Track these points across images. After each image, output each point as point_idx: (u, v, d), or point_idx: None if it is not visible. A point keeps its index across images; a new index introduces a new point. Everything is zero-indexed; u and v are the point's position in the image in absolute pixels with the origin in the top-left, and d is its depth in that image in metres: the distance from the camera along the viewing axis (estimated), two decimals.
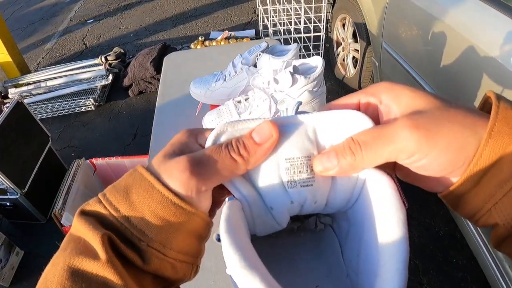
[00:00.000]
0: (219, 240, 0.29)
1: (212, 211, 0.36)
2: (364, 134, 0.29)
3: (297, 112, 0.42)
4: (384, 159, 0.29)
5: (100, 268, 0.27)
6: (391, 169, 0.33)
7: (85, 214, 0.30)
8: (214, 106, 1.16)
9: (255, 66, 1.11)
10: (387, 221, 0.29)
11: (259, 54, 1.07)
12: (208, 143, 0.32)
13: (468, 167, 0.27)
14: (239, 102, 1.06)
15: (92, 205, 0.30)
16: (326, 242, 0.39)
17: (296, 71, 0.93)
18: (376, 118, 0.31)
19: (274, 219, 0.33)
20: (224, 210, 0.31)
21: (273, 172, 0.32)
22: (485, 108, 0.30)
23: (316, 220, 0.40)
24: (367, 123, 0.30)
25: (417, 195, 2.10)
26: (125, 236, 0.29)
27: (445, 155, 0.27)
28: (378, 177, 0.31)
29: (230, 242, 0.28)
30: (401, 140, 0.27)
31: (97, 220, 0.29)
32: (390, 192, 0.30)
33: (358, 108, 0.33)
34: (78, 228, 0.29)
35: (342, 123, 0.31)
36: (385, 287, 0.26)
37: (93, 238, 0.28)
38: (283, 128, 0.32)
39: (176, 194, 0.30)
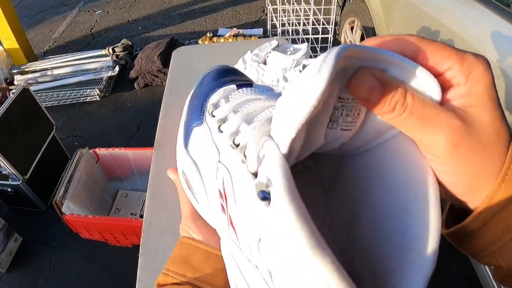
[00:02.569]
0: (264, 198, 0.22)
1: None
2: (422, 103, 0.24)
3: None
4: (416, 138, 0.26)
5: None
6: None
7: (161, 286, 0.39)
8: None
9: (265, 63, 1.11)
10: (416, 186, 0.25)
11: (270, 52, 1.08)
12: None
13: (479, 206, 0.25)
14: None
15: (163, 280, 0.39)
16: (307, 185, 0.33)
17: None
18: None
19: None
20: (274, 158, 0.22)
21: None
22: None
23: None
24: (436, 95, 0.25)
25: None
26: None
27: (465, 172, 0.25)
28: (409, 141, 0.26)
29: (297, 211, 0.20)
30: (445, 129, 0.24)
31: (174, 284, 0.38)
32: (421, 158, 0.26)
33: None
34: None
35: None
36: (420, 266, 0.22)
37: None
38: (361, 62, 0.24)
39: (206, 244, 0.39)
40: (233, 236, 0.30)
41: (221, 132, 0.33)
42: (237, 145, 0.29)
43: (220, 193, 0.31)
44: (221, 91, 0.36)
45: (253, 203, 0.24)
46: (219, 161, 0.31)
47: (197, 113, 0.38)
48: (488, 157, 0.24)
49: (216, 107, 0.35)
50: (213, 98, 0.36)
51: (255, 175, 0.25)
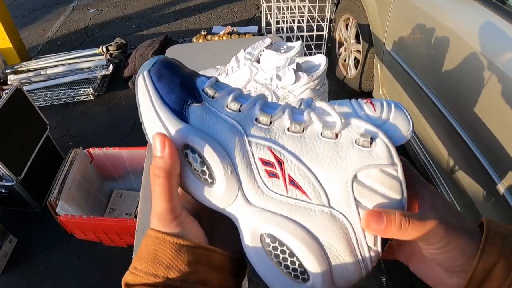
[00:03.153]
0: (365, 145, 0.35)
1: (229, 247, 0.39)
2: (413, 216, 0.34)
3: None
4: (419, 238, 0.34)
5: None
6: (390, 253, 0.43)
7: (130, 286, 0.34)
8: None
9: (258, 61, 1.11)
10: None
11: (263, 50, 1.07)
12: None
13: (467, 278, 0.33)
14: None
15: (132, 279, 0.35)
16: None
17: (299, 68, 0.93)
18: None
19: None
20: None
21: None
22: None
23: None
24: None
25: None
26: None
27: (455, 251, 0.34)
28: None
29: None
30: (435, 230, 0.34)
31: (144, 285, 0.34)
32: None
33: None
34: None
35: None
36: None
37: None
38: None
39: (178, 236, 0.35)
40: (295, 193, 0.35)
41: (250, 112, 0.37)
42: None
43: (265, 161, 0.36)
44: (210, 80, 0.40)
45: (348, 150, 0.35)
46: (248, 135, 0.36)
47: (185, 92, 0.38)
48: (465, 238, 0.34)
49: (218, 91, 0.38)
50: (205, 84, 0.39)
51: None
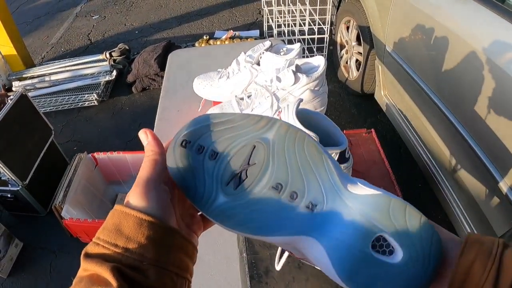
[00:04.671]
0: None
1: (192, 230, 0.44)
2: None
3: (298, 109, 0.46)
4: None
5: None
6: None
7: (89, 256, 0.36)
8: (216, 103, 1.17)
9: (258, 64, 1.12)
10: None
11: (263, 53, 1.09)
12: None
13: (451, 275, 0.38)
14: (242, 99, 1.07)
15: (92, 249, 0.36)
16: None
17: (298, 70, 0.95)
18: None
19: None
20: None
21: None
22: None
23: None
24: None
25: (416, 198, 2.11)
26: (128, 263, 0.35)
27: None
28: None
29: None
30: None
31: (101, 258, 0.35)
32: None
33: None
34: (87, 268, 0.35)
35: None
36: None
37: (103, 271, 0.34)
38: None
39: (144, 212, 0.36)
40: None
41: None
42: None
43: None
44: None
45: None
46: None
47: None
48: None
49: None
50: None
51: None
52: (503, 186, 1.33)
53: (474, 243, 0.39)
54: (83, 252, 0.36)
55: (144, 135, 0.42)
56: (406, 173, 2.25)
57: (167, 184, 0.41)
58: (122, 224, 0.36)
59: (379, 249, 0.36)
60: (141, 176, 0.39)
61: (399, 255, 0.36)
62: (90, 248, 0.36)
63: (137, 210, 0.36)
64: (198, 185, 0.40)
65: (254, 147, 0.39)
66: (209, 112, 1.13)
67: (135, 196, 0.38)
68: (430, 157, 1.87)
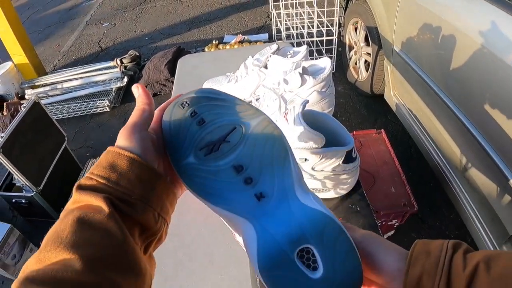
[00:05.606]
0: None
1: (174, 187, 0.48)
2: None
3: (304, 110, 0.50)
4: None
5: (104, 219, 0.37)
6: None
7: (82, 188, 0.39)
8: None
9: (266, 67, 1.13)
10: None
11: (270, 56, 1.10)
12: None
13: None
14: (250, 102, 1.08)
15: (85, 182, 0.40)
16: None
17: (305, 72, 0.95)
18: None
19: None
20: None
21: None
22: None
23: None
24: None
25: (428, 198, 2.10)
26: (118, 196, 0.39)
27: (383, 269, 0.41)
28: None
29: None
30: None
31: (93, 190, 0.39)
32: None
33: None
34: (79, 199, 0.39)
35: None
36: None
37: (96, 200, 0.37)
38: None
39: (135, 154, 0.41)
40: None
41: None
42: None
43: None
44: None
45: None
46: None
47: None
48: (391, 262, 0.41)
49: None
50: None
51: None
52: None
53: (419, 255, 0.39)
54: (76, 184, 0.39)
55: (136, 89, 0.48)
56: (417, 173, 2.24)
57: (157, 135, 0.47)
58: (116, 162, 0.40)
59: (305, 260, 0.38)
60: (129, 122, 0.44)
61: (319, 272, 0.37)
62: (84, 181, 0.40)
63: (129, 151, 0.41)
64: (179, 142, 0.45)
65: (235, 128, 0.45)
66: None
67: (121, 138, 0.42)
68: (441, 156, 1.86)
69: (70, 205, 0.39)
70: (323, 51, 2.96)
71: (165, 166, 0.47)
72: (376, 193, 1.58)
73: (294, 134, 0.71)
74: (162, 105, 0.51)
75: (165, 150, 0.47)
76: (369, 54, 2.62)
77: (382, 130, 1.27)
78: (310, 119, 0.67)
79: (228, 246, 0.91)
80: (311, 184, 0.85)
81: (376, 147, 1.71)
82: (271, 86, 1.01)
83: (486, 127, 1.45)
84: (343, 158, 0.77)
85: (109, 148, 0.42)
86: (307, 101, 0.69)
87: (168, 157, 0.46)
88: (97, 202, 0.37)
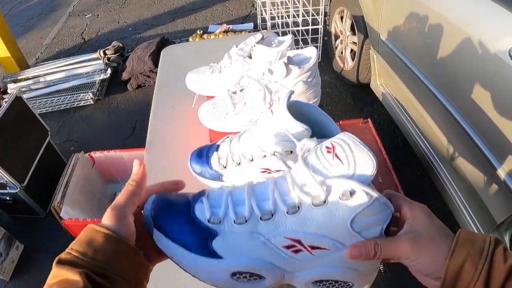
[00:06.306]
0: None
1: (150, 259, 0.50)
2: (385, 241, 0.46)
3: (289, 101, 0.49)
4: (392, 257, 0.47)
5: None
6: None
7: (61, 263, 0.41)
8: (210, 97, 1.16)
9: (250, 57, 1.11)
10: None
11: (254, 45, 1.08)
12: None
13: (442, 277, 0.42)
14: (234, 93, 1.07)
15: (65, 257, 0.42)
16: None
17: (290, 61, 0.94)
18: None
19: None
20: None
21: None
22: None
23: None
24: None
25: (415, 187, 2.11)
26: (94, 270, 0.41)
27: (426, 260, 0.44)
28: None
29: None
30: (403, 248, 0.45)
31: (71, 265, 0.41)
32: None
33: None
34: (58, 274, 0.41)
35: None
36: None
37: (73, 274, 0.39)
38: None
39: (112, 231, 0.44)
40: (319, 252, 0.48)
41: None
42: None
43: (287, 246, 0.48)
44: (203, 206, 0.51)
45: None
46: (264, 236, 0.48)
47: (198, 232, 0.50)
48: (434, 248, 0.44)
49: (217, 214, 0.50)
50: (205, 215, 0.50)
51: None
52: (501, 173, 1.32)
53: (465, 241, 0.41)
54: (56, 259, 0.42)
55: (137, 166, 0.51)
56: (404, 162, 2.25)
57: (140, 207, 0.50)
58: (93, 238, 0.43)
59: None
60: (117, 203, 0.47)
61: None
62: (63, 256, 0.42)
63: (106, 228, 0.44)
64: None
65: None
66: (201, 107, 1.12)
67: (108, 218, 0.45)
68: (427, 145, 1.86)
69: (50, 279, 0.41)
70: (309, 40, 2.94)
71: (142, 242, 0.49)
72: None
73: (279, 125, 0.69)
74: (154, 186, 0.53)
75: (143, 228, 0.49)
76: (355, 43, 2.61)
77: (369, 119, 1.26)
78: (295, 110, 0.66)
79: None
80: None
81: (362, 136, 1.70)
82: (256, 77, 0.99)
83: (472, 116, 1.45)
84: None
85: (89, 225, 0.45)
86: (292, 92, 0.67)
87: (146, 233, 0.49)
88: (74, 276, 0.39)
